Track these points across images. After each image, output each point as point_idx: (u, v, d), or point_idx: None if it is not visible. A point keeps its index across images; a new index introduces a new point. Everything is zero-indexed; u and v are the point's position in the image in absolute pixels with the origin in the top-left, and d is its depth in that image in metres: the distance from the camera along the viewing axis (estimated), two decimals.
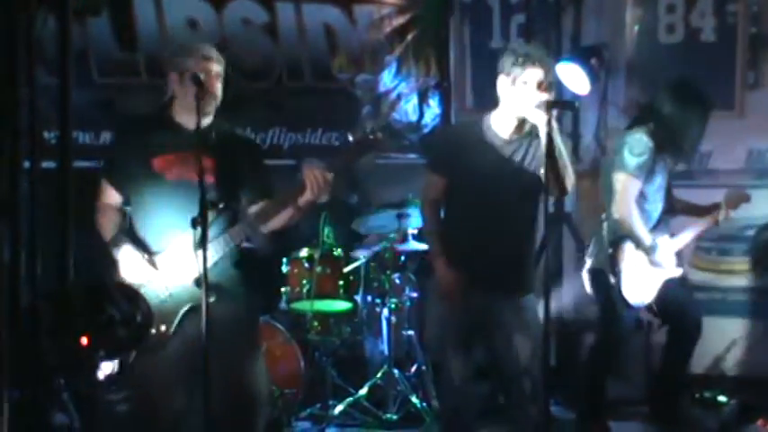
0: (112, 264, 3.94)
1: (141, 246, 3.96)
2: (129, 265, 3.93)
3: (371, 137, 3.90)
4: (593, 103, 6.23)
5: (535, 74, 4.11)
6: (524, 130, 4.21)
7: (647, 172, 5.04)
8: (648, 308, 5.25)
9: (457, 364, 4.39)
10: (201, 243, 3.65)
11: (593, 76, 5.88)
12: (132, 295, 3.76)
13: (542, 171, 3.92)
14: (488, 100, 6.32)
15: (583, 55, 5.93)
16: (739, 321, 6.23)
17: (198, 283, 3.77)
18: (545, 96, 4.01)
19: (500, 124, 4.24)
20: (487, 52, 6.63)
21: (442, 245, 4.32)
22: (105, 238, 4.01)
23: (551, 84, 4.14)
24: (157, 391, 3.95)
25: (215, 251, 3.87)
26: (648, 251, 5.11)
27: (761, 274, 6.24)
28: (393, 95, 6.66)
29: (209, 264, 3.73)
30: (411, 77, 6.58)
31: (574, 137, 6.41)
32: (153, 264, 3.93)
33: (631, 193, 5.02)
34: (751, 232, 6.23)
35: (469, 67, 6.72)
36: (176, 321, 3.91)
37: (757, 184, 6.05)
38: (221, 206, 3.85)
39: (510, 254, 4.28)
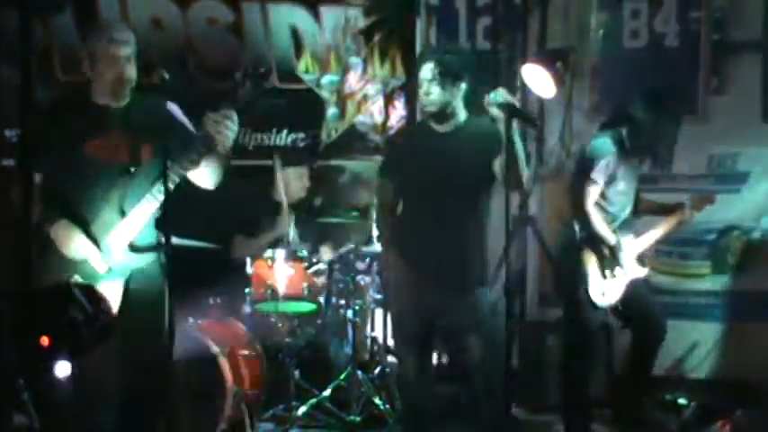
0: (48, 244, 3.86)
1: (78, 222, 3.90)
2: (67, 240, 3.87)
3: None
4: (557, 106, 6.26)
5: (425, 70, 4.33)
6: (461, 125, 4.34)
7: (608, 176, 5.07)
8: (614, 309, 5.26)
9: (412, 362, 4.45)
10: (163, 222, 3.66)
11: (559, 79, 5.88)
12: (95, 296, 3.74)
13: (495, 166, 4.10)
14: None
15: (548, 58, 5.92)
16: (700, 324, 6.26)
17: (133, 248, 3.86)
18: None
19: (437, 122, 4.38)
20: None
21: (392, 246, 4.41)
22: (36, 219, 3.94)
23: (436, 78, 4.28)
24: (104, 371, 3.91)
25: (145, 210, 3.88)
26: (612, 251, 5.13)
27: (719, 278, 6.28)
28: (359, 97, 6.66)
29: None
30: (377, 79, 6.56)
31: (538, 140, 6.44)
32: (93, 239, 3.89)
33: (591, 195, 5.05)
34: (711, 236, 6.27)
35: None
36: (120, 300, 3.89)
37: (718, 189, 6.09)
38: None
39: (456, 250, 4.35)
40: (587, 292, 5.12)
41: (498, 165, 4.20)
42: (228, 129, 3.84)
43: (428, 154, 4.37)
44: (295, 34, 6.50)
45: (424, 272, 4.37)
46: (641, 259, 5.33)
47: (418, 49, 6.63)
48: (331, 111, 6.59)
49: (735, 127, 6.17)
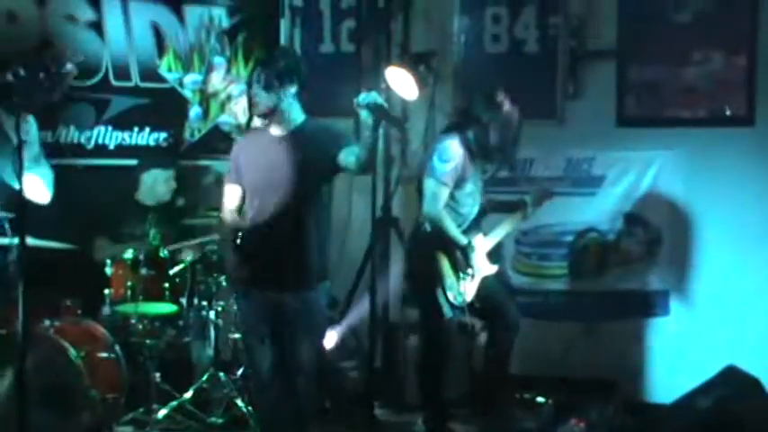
0: None
1: None
2: None
3: None
4: (421, 108, 6.34)
5: (252, 75, 4.50)
6: (297, 127, 4.46)
7: (456, 178, 5.19)
8: (470, 307, 5.37)
9: (258, 358, 4.53)
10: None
11: (422, 82, 5.97)
12: None
13: (341, 159, 4.26)
14: (319, 104, 6.25)
15: (411, 61, 6.01)
16: (557, 324, 6.42)
17: None
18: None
19: (272, 125, 4.50)
20: (318, 56, 6.73)
21: (236, 247, 4.46)
22: None
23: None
24: None
25: None
26: (464, 251, 5.26)
27: (577, 279, 6.46)
28: (222, 97, 6.65)
29: None
30: (241, 79, 6.57)
31: (402, 142, 6.56)
32: None
33: (440, 198, 5.16)
34: (569, 238, 6.44)
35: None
36: None
37: (575, 192, 6.32)
38: None
39: (293, 249, 4.43)
40: (443, 292, 5.22)
41: (344, 158, 4.30)
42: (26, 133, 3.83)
43: (264, 157, 4.46)
44: (157, 32, 6.47)
45: (262, 269, 4.45)
46: (491, 256, 5.48)
47: None
48: (194, 110, 6.57)
49: (590, 131, 6.33)
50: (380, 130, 4.28)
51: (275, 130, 4.50)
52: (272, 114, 4.46)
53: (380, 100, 4.22)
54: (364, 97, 4.19)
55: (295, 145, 4.44)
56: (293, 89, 4.43)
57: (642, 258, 6.34)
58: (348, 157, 4.35)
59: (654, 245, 6.32)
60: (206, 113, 6.57)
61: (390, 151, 6.56)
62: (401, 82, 5.87)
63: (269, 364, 4.53)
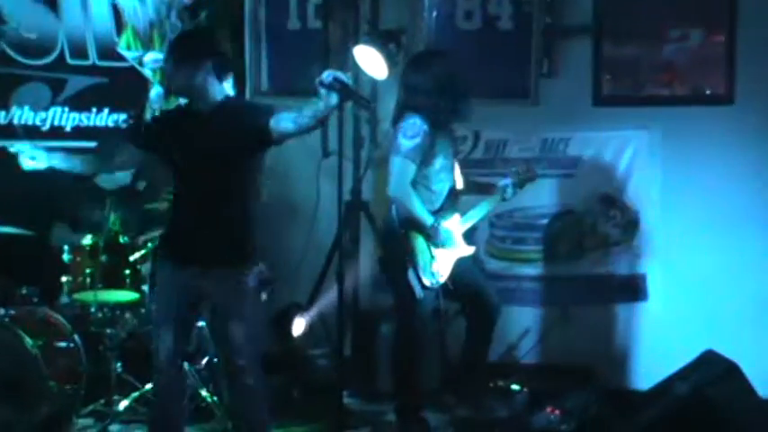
0: None
1: None
2: None
3: None
4: (391, 88, 6.15)
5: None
6: (216, 105, 4.47)
7: (423, 154, 5.18)
8: (445, 290, 5.36)
9: (159, 340, 4.55)
10: None
11: (392, 60, 5.94)
12: None
13: (271, 129, 4.28)
14: (285, 83, 6.42)
15: (381, 39, 5.98)
16: (531, 310, 6.45)
17: None
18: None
19: (190, 103, 4.56)
20: (284, 34, 6.70)
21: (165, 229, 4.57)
22: None
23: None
24: None
25: None
26: (431, 233, 5.23)
27: (552, 263, 6.48)
28: None
29: None
30: None
31: (372, 122, 6.53)
32: None
33: (406, 176, 5.15)
34: (544, 221, 6.46)
35: (265, 48, 6.72)
36: None
37: (550, 174, 6.29)
38: None
39: (214, 228, 4.47)
40: (415, 272, 5.21)
41: (277, 124, 4.32)
42: None
43: (183, 136, 4.48)
44: (115, 9, 6.42)
45: (184, 250, 4.51)
46: (468, 237, 5.47)
47: (247, 27, 6.64)
48: (155, 90, 6.50)
49: (566, 111, 6.33)
50: (348, 110, 4.28)
51: (195, 107, 4.53)
52: (187, 91, 4.50)
53: (345, 78, 4.21)
54: (328, 75, 4.19)
55: (216, 121, 4.45)
56: (208, 65, 4.43)
57: (619, 241, 6.37)
58: (282, 122, 4.35)
59: (631, 227, 6.35)
60: (167, 93, 6.37)
61: (360, 132, 6.53)
62: (370, 60, 5.87)
63: (167, 351, 4.55)
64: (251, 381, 4.54)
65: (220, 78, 4.50)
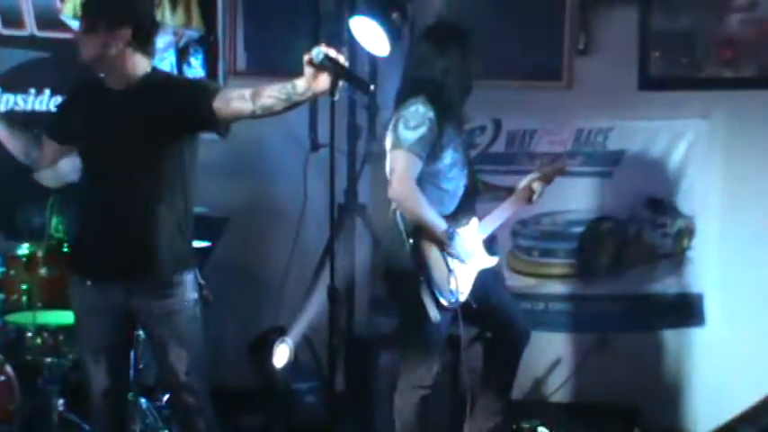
0: None
1: None
2: None
3: None
4: (394, 67, 6.20)
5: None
6: (138, 80, 4.45)
7: (431, 146, 5.13)
8: (465, 309, 5.25)
9: (91, 376, 4.55)
10: None
11: (395, 33, 5.94)
12: None
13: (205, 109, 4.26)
14: (266, 61, 6.46)
15: (381, 8, 5.94)
16: (563, 337, 6.48)
17: None
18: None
19: (107, 77, 4.49)
20: (264, 4, 6.75)
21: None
22: None
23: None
24: None
25: None
26: (444, 240, 5.16)
27: (588, 280, 6.48)
28: None
29: None
30: (167, 29, 6.45)
31: (370, 109, 6.50)
32: None
33: (412, 172, 5.09)
34: (578, 229, 6.45)
35: (242, 21, 6.76)
36: None
37: (586, 172, 6.33)
38: None
39: (135, 232, 4.42)
40: (429, 289, 5.13)
41: (224, 104, 4.28)
42: None
43: (98, 115, 4.46)
44: None
45: (100, 263, 4.47)
46: (490, 246, 5.41)
47: None
48: None
49: (606, 95, 6.31)
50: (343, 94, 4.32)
51: (110, 83, 4.48)
52: (101, 63, 4.44)
53: (337, 56, 4.14)
54: (318, 52, 4.11)
55: (136, 100, 4.41)
56: (126, 33, 4.38)
57: (669, 254, 6.38)
58: (235, 102, 4.30)
59: (685, 237, 6.36)
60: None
61: (356, 120, 6.48)
62: (369, 34, 5.86)
63: (102, 390, 4.53)
64: (192, 400, 4.55)
65: (143, 49, 4.44)
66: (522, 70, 6.30)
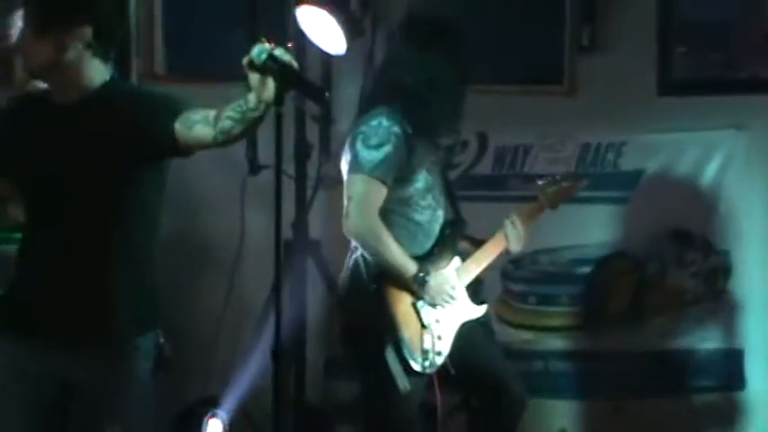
0: None
1: None
2: None
3: None
4: (353, 68, 6.33)
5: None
6: (94, 92, 4.34)
7: (397, 169, 5.05)
8: (442, 374, 5.17)
9: None
10: None
11: (354, 27, 5.96)
12: None
13: (176, 129, 4.13)
14: (191, 62, 6.65)
15: None
16: (568, 405, 6.44)
17: None
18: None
19: (54, 89, 4.38)
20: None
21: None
22: None
23: None
24: None
25: None
26: (415, 288, 5.10)
27: (598, 333, 6.43)
28: None
29: None
30: None
31: (323, 121, 6.54)
32: None
33: (374, 201, 5.05)
34: (586, 269, 6.43)
35: (161, 11, 6.83)
36: None
37: (596, 197, 6.24)
38: None
39: (83, 282, 4.29)
40: (397, 351, 5.04)
41: (187, 129, 4.17)
42: None
43: (41, 136, 4.32)
44: None
45: (37, 313, 4.29)
46: (475, 292, 5.33)
47: None
48: None
49: (618, 102, 6.30)
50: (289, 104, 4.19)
51: (59, 96, 4.32)
52: (52, 71, 4.28)
53: (287, 57, 3.99)
54: (259, 51, 3.95)
55: (91, 117, 4.24)
56: (86, 33, 4.22)
57: (701, 299, 6.34)
58: (197, 126, 4.15)
59: (719, 277, 6.30)
60: (8, 75, 6.29)
61: (305, 136, 6.48)
62: (321, 28, 5.87)
63: None
64: None
65: (104, 54, 4.30)
66: (513, 72, 6.35)
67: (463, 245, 5.48)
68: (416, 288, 5.13)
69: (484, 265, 5.45)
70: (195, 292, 6.55)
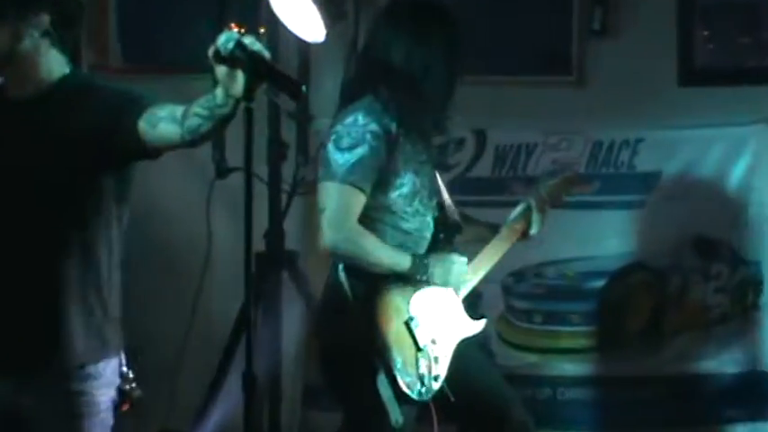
0: None
1: None
2: None
3: None
4: (333, 58, 6.30)
5: None
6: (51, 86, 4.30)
7: (377, 172, 4.93)
8: (439, 401, 4.98)
9: None
10: None
11: (334, 10, 5.96)
12: None
13: (141, 131, 4.07)
14: (149, 52, 6.70)
15: None
16: None
17: None
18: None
19: (8, 84, 4.34)
20: None
21: None
22: None
23: None
24: None
25: None
26: (417, 274, 4.97)
27: (612, 355, 6.42)
28: None
29: None
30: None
31: (300, 118, 6.50)
32: None
33: (352, 210, 4.94)
34: (598, 283, 6.38)
35: (114, 5, 6.86)
36: None
37: (609, 202, 6.28)
38: None
39: (35, 306, 4.22)
40: (389, 379, 4.88)
41: (150, 127, 4.11)
42: None
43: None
44: None
45: None
46: (473, 305, 5.20)
47: None
48: None
49: (634, 94, 6.28)
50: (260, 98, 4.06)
51: (14, 91, 4.27)
52: (6, 63, 4.23)
53: (257, 46, 3.85)
54: (227, 39, 3.81)
55: (47, 115, 4.21)
56: (43, 21, 4.17)
57: (727, 317, 6.32)
58: (162, 124, 4.06)
59: (748, 292, 6.29)
60: None
61: (280, 135, 6.43)
62: (297, 13, 5.84)
63: None
64: None
65: (62, 42, 4.27)
66: (516, 61, 6.36)
67: (480, 231, 5.40)
68: (420, 277, 4.99)
69: (481, 275, 5.27)
70: (155, 312, 6.49)
